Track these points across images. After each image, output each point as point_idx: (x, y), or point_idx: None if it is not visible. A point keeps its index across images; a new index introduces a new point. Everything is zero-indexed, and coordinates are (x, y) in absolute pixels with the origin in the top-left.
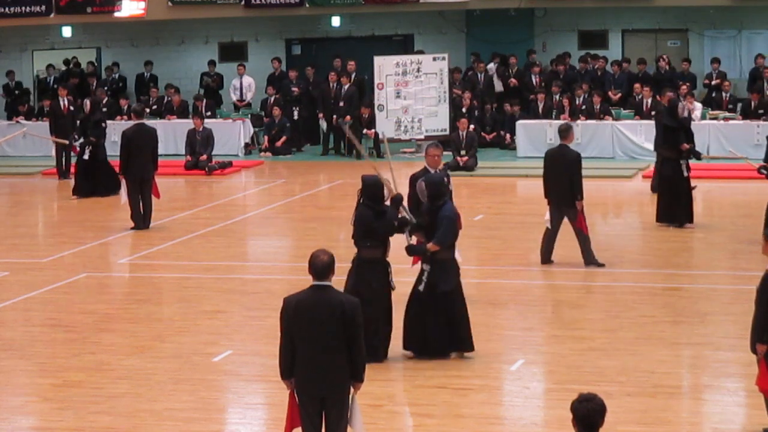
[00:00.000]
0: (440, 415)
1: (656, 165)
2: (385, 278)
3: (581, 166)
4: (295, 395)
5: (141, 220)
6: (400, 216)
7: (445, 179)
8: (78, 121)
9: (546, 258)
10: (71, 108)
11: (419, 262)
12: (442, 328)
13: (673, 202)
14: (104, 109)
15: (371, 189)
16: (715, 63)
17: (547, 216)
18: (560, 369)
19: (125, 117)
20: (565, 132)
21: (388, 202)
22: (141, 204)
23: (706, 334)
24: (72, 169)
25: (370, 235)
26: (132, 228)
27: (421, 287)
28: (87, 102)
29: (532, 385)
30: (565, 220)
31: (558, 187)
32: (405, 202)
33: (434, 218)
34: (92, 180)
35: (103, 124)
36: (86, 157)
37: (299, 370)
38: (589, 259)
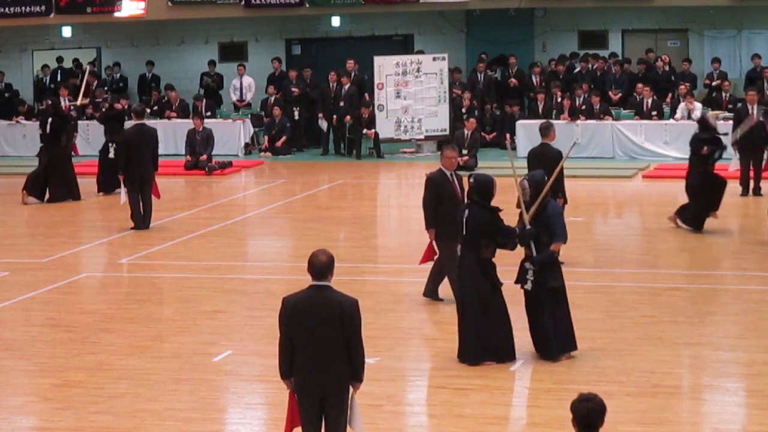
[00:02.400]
0: (440, 415)
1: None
2: (497, 277)
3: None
4: (295, 395)
5: (141, 220)
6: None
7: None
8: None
9: None
10: (71, 108)
11: (428, 261)
12: (556, 325)
13: (700, 210)
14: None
15: (484, 187)
16: (716, 63)
17: None
18: (560, 369)
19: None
20: (545, 130)
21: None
22: (141, 204)
23: (706, 334)
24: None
25: (485, 234)
26: (132, 228)
27: (527, 286)
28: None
29: (532, 385)
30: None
31: None
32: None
33: (537, 219)
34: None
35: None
36: (111, 155)
37: (298, 370)
38: None
